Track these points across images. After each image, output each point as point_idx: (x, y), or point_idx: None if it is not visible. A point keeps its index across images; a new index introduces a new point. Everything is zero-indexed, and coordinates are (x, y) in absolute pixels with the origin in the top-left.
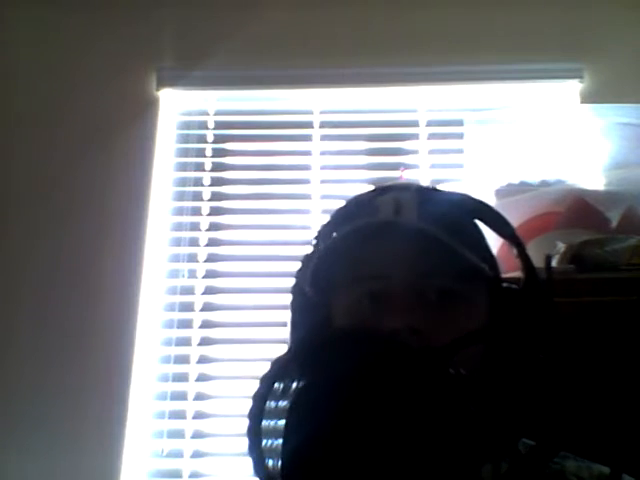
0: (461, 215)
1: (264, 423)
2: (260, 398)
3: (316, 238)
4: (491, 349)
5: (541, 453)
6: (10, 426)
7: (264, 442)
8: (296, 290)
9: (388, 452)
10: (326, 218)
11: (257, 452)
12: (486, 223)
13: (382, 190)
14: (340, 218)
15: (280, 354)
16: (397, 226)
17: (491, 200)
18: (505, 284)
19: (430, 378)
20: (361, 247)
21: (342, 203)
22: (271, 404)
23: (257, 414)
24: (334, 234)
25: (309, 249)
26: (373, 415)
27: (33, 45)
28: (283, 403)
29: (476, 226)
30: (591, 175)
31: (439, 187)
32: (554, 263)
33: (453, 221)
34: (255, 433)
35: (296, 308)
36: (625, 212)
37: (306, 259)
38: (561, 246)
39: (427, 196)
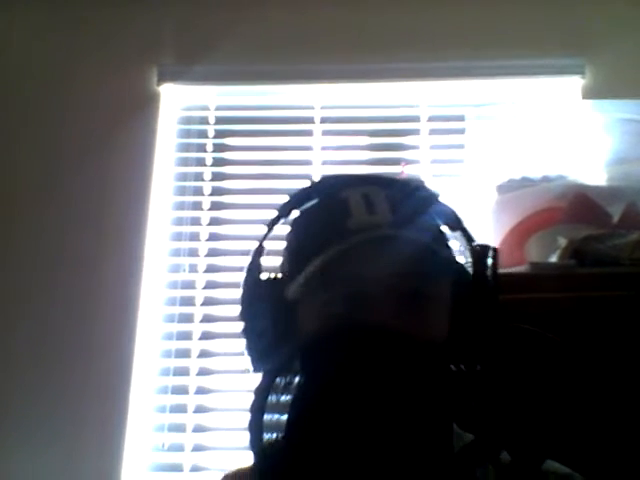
0: (426, 210)
1: (266, 417)
2: (262, 392)
3: (273, 221)
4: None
5: (536, 452)
6: (11, 421)
7: (266, 436)
8: (251, 282)
9: (390, 445)
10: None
11: (258, 446)
12: (438, 215)
13: (345, 182)
14: (306, 206)
15: (284, 350)
16: (376, 232)
17: (492, 195)
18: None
19: (432, 373)
20: (335, 250)
21: (303, 185)
22: (273, 398)
23: (259, 408)
24: (296, 224)
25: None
26: (375, 408)
27: (33, 40)
28: (285, 397)
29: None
30: (593, 171)
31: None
32: (555, 258)
33: (423, 218)
34: (257, 427)
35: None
36: (626, 207)
37: (258, 249)
38: (562, 241)
39: (392, 191)
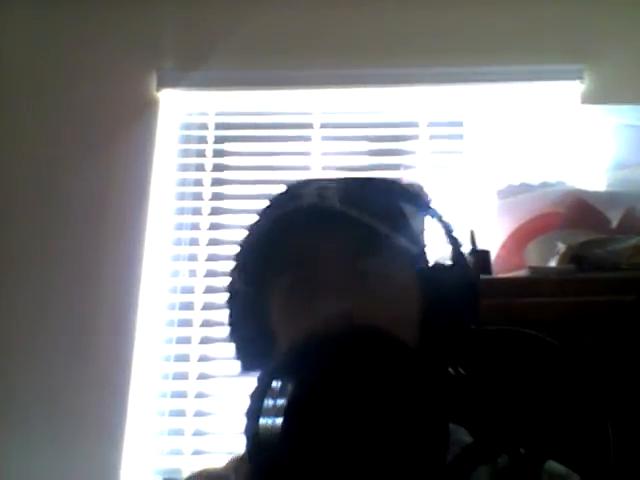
0: (385, 199)
1: (261, 421)
2: (258, 396)
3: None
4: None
5: (535, 455)
6: (10, 425)
7: (262, 440)
8: (230, 288)
9: (386, 451)
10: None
11: (254, 450)
12: (414, 206)
13: (307, 182)
14: (265, 209)
15: (271, 361)
16: (319, 209)
17: (492, 201)
18: (436, 264)
19: (429, 378)
20: (285, 234)
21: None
22: (269, 402)
23: (254, 412)
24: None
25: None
26: (371, 415)
27: (33, 45)
28: (281, 401)
29: (401, 210)
30: (592, 176)
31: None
32: (554, 263)
33: (376, 204)
34: (253, 432)
35: (232, 306)
36: (625, 213)
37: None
38: (562, 246)
39: (351, 184)
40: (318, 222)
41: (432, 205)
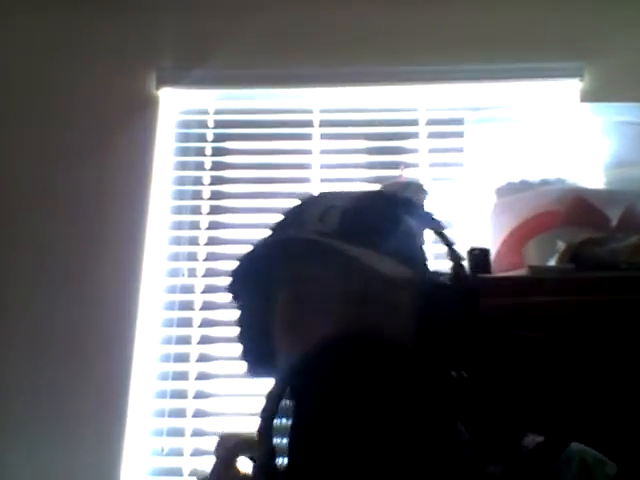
0: (384, 218)
1: (276, 422)
2: (275, 397)
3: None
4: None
5: (547, 450)
6: (9, 424)
7: (275, 440)
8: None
9: (390, 453)
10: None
11: (268, 450)
12: (417, 219)
13: (315, 199)
14: (275, 227)
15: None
16: (315, 243)
17: (491, 199)
18: (439, 278)
19: (432, 381)
20: (285, 258)
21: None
22: (285, 403)
23: (270, 413)
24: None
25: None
26: (376, 417)
27: (33, 44)
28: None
29: (401, 225)
30: (591, 174)
31: (369, 189)
32: (554, 262)
33: (376, 224)
34: (267, 432)
35: (240, 317)
36: (625, 211)
37: None
38: (561, 245)
39: (353, 203)
40: (314, 252)
41: (434, 218)
